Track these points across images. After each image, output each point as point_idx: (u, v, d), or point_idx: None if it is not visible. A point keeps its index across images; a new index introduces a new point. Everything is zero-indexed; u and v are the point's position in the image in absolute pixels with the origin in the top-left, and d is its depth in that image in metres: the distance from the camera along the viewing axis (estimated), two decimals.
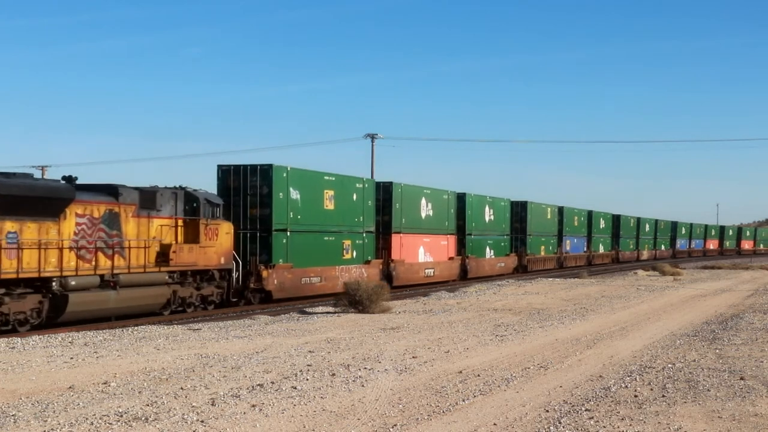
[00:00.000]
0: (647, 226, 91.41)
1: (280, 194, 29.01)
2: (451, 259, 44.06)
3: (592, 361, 14.98)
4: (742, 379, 13.20)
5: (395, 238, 38.05)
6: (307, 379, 12.63)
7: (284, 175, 29.32)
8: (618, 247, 80.00)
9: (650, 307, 26.97)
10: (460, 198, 46.23)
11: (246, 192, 28.83)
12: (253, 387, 11.98)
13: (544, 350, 16.32)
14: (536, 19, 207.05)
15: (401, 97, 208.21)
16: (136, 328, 20.49)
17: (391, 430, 9.70)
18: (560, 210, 64.81)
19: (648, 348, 16.86)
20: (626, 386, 12.46)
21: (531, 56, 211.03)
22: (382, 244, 37.40)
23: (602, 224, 76.08)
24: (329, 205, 32.22)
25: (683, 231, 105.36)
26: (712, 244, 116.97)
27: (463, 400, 11.32)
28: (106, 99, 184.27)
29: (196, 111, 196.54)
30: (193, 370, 13.45)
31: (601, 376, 13.36)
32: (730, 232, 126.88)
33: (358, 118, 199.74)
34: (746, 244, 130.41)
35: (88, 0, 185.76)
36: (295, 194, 29.85)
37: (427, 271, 40.65)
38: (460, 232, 45.90)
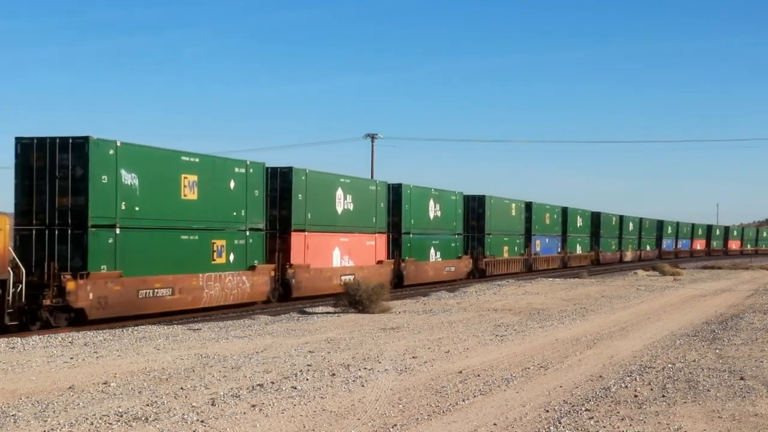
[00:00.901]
0: (631, 224, 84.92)
1: (104, 178, 22.11)
2: (380, 263, 36.70)
3: (592, 361, 14.98)
4: (742, 379, 13.20)
5: (296, 238, 30.53)
6: (307, 379, 12.62)
7: (110, 152, 22.44)
8: (598, 247, 73.32)
9: (650, 307, 26.97)
10: (395, 190, 39.42)
11: (54, 174, 21.87)
12: (253, 387, 11.98)
13: (544, 350, 16.32)
14: (536, 19, 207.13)
15: (401, 97, 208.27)
16: (136, 328, 20.49)
17: (391, 430, 9.70)
18: (528, 206, 57.40)
19: (648, 348, 16.86)
20: (626, 386, 12.46)
21: (531, 56, 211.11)
22: (278, 245, 29.89)
23: (579, 222, 69.40)
24: (189, 194, 25.10)
25: (669, 230, 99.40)
26: (699, 245, 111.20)
27: (463, 400, 11.32)
28: (105, 99, 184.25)
29: (196, 111, 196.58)
30: (193, 370, 13.45)
31: (601, 376, 13.36)
32: (717, 232, 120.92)
33: (358, 118, 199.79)
34: (733, 244, 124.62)
35: (87, 0, 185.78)
36: (130, 178, 22.99)
37: (344, 278, 32.50)
38: (396, 230, 39.15)
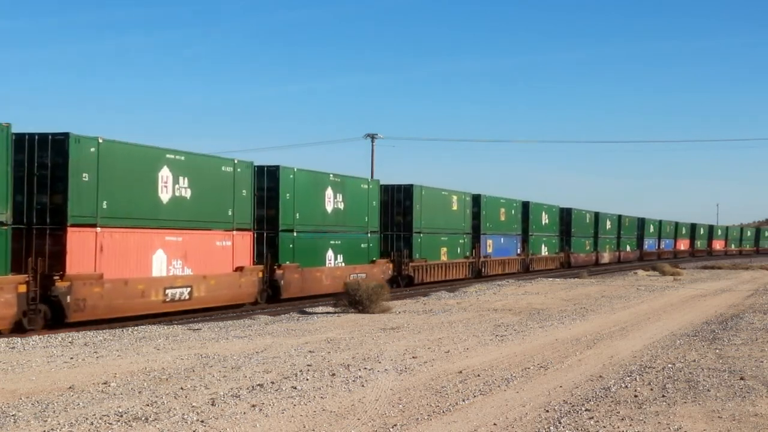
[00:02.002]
0: (608, 222, 77.35)
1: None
2: (239, 270, 27.00)
3: (592, 361, 14.98)
4: (742, 379, 13.20)
5: (76, 236, 21.09)
6: (307, 379, 12.63)
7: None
8: (569, 248, 65.55)
9: (650, 307, 26.97)
10: (270, 174, 29.75)
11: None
12: (253, 387, 11.98)
13: (544, 350, 16.32)
14: (536, 20, 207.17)
15: (401, 97, 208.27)
16: (136, 328, 20.49)
17: (391, 430, 9.70)
18: (475, 199, 48.62)
19: (648, 348, 16.86)
20: (626, 386, 12.46)
21: (531, 56, 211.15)
22: (49, 245, 20.73)
23: (545, 220, 61.22)
24: None
25: (651, 229, 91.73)
26: (683, 244, 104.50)
27: (463, 400, 11.33)
28: (105, 99, 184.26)
29: (196, 111, 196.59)
30: (193, 370, 13.45)
31: (601, 376, 13.36)
32: (702, 231, 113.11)
33: (358, 118, 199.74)
34: (717, 244, 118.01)
35: (87, 0, 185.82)
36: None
37: (171, 292, 24.11)
38: (271, 227, 29.72)
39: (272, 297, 29.26)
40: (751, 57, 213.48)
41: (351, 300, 25.03)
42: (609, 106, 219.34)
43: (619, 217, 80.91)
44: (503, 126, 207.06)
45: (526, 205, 57.35)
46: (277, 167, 29.67)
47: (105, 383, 12.19)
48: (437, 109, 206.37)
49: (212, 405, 10.74)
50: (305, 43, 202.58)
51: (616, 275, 51.87)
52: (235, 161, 27.34)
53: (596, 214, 73.54)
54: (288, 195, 30.13)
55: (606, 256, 75.40)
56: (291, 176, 30.38)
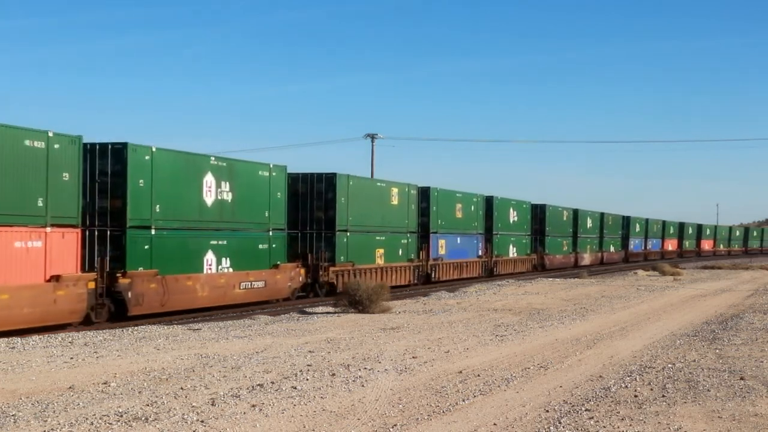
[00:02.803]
0: (589, 221, 70.60)
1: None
2: (54, 280, 20.36)
3: (592, 361, 14.98)
4: (742, 379, 13.20)
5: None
6: (307, 379, 12.63)
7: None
8: (543, 249, 59.31)
9: (650, 307, 26.98)
10: (115, 154, 23.15)
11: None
12: (253, 387, 11.99)
13: (544, 350, 16.32)
14: (536, 20, 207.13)
15: (401, 97, 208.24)
16: (136, 328, 20.49)
17: (391, 430, 9.70)
18: (423, 193, 41.81)
19: (648, 348, 16.86)
20: (626, 386, 12.47)
21: (531, 56, 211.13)
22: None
23: (514, 217, 54.05)
24: None
25: (637, 228, 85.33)
26: (671, 245, 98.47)
27: (463, 400, 11.33)
28: (105, 99, 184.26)
29: (196, 111, 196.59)
30: (193, 370, 13.45)
31: (601, 376, 13.36)
32: (690, 231, 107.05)
33: (358, 118, 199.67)
34: (706, 244, 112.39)
35: (87, 0, 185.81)
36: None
37: None
38: (116, 223, 22.96)
39: (115, 316, 22.66)
40: (751, 57, 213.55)
41: (351, 300, 25.04)
42: (609, 106, 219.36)
43: (602, 215, 74.50)
44: (503, 126, 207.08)
45: (489, 201, 50.10)
46: (124, 144, 22.98)
47: (105, 383, 12.19)
48: (437, 109, 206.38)
49: (212, 405, 10.74)
50: (305, 43, 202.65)
51: (616, 275, 51.88)
52: (52, 134, 20.49)
53: (575, 212, 67.38)
54: (142, 181, 23.39)
55: (587, 258, 68.74)
56: (147, 157, 23.60)
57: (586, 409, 10.83)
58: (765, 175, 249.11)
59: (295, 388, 11.92)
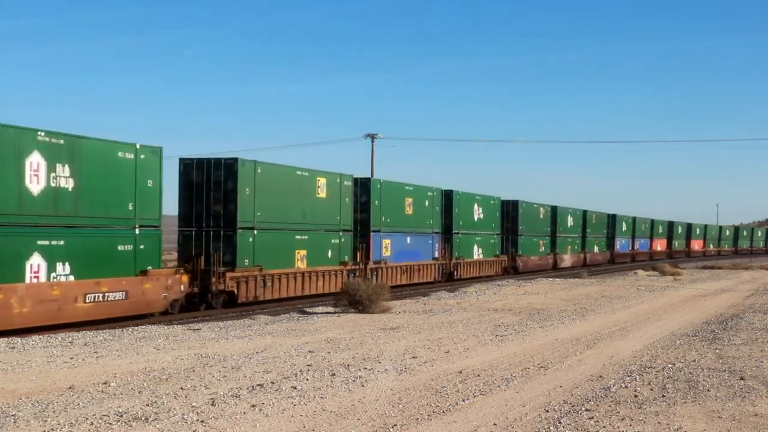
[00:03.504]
0: (570, 219, 65.63)
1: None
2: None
3: (592, 361, 14.98)
4: (742, 379, 13.21)
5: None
6: (307, 379, 12.63)
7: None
8: (515, 250, 53.79)
9: (650, 307, 26.99)
10: None
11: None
12: (253, 387, 11.99)
13: (544, 350, 16.32)
14: (536, 20, 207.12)
15: (401, 97, 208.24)
16: (136, 328, 20.49)
17: (391, 430, 9.71)
18: (362, 186, 35.99)
19: (648, 348, 16.87)
20: (626, 386, 12.47)
21: (531, 56, 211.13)
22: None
23: (479, 215, 48.22)
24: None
25: (624, 227, 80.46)
26: (660, 245, 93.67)
27: (463, 400, 11.33)
28: (105, 99, 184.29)
29: (196, 111, 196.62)
30: (193, 370, 13.45)
31: (601, 376, 13.37)
32: (679, 230, 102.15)
33: (358, 118, 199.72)
34: (696, 244, 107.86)
35: (87, 0, 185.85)
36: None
37: None
38: None
39: None
40: (751, 57, 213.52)
41: (351, 300, 25.04)
42: (609, 106, 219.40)
43: (584, 212, 69.59)
44: (503, 126, 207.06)
45: (448, 196, 44.49)
46: None
47: (105, 383, 12.19)
48: (437, 109, 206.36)
49: (212, 405, 10.75)
50: (305, 43, 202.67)
51: (616, 275, 51.88)
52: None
53: (553, 209, 62.02)
54: None
55: (567, 259, 63.83)
56: None
57: (586, 409, 10.84)
58: (764, 175, 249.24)
59: (295, 388, 11.92)
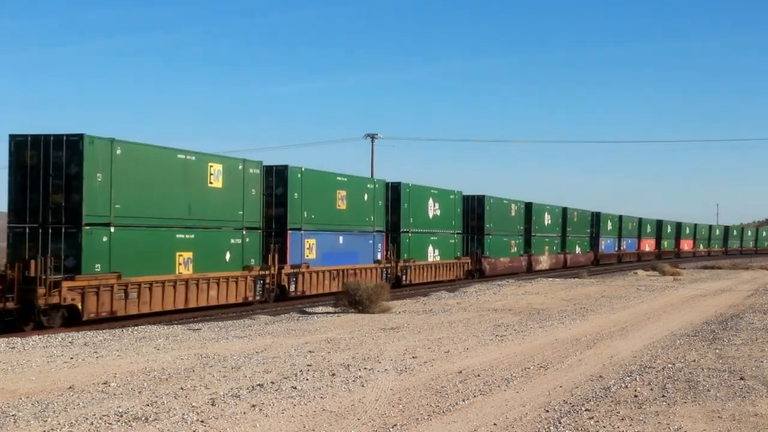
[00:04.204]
0: (547, 217, 60.05)
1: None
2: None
3: (592, 361, 14.98)
4: (742, 379, 13.21)
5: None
6: (307, 379, 12.63)
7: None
8: (481, 251, 47.83)
9: (650, 307, 26.98)
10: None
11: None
12: (253, 387, 11.99)
13: (544, 350, 16.32)
14: (536, 20, 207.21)
15: (401, 97, 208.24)
16: (136, 328, 20.49)
17: (391, 430, 9.71)
18: (278, 175, 30.10)
19: (648, 348, 16.87)
20: (626, 386, 12.47)
21: (531, 56, 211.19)
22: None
23: (434, 211, 42.08)
24: None
25: (610, 226, 75.16)
26: (648, 245, 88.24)
27: (463, 400, 11.33)
28: (105, 99, 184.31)
29: (196, 111, 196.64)
30: (193, 370, 13.45)
31: (601, 376, 13.37)
32: (668, 229, 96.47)
33: (358, 118, 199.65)
34: (685, 244, 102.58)
35: (87, 0, 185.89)
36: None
37: None
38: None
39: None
40: (751, 57, 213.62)
41: (351, 300, 25.04)
42: (609, 106, 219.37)
43: (564, 210, 64.01)
44: (503, 126, 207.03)
45: (395, 189, 38.54)
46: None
47: (105, 383, 12.19)
48: (437, 109, 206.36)
49: (212, 405, 10.74)
50: (305, 43, 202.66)
51: (616, 275, 51.88)
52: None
53: (528, 206, 56.30)
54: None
55: (544, 261, 58.56)
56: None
57: (586, 409, 10.83)
58: (765, 175, 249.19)
59: (295, 388, 11.92)
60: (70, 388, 11.86)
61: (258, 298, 28.02)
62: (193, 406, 10.63)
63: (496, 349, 16.35)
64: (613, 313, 24.92)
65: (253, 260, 27.95)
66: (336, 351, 15.86)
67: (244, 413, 10.30)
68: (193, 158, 25.31)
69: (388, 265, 37.01)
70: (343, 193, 33.71)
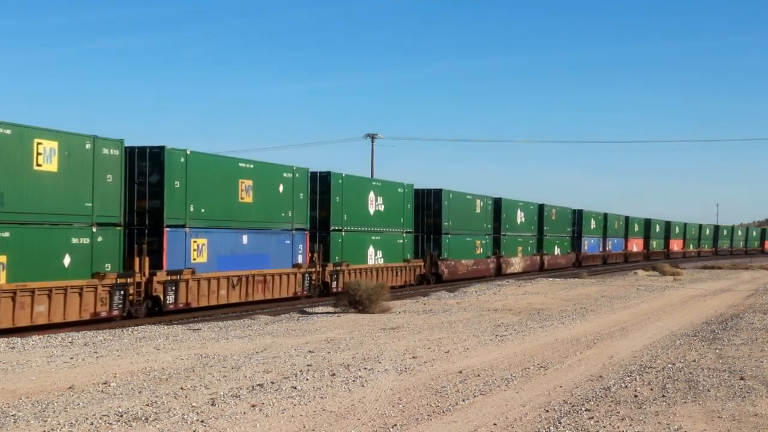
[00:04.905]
0: (520, 215, 53.82)
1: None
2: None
3: (592, 361, 14.98)
4: (742, 379, 13.21)
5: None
6: (307, 379, 12.63)
7: None
8: (437, 252, 41.51)
9: (650, 307, 26.99)
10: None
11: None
12: (253, 387, 11.99)
13: (544, 350, 16.33)
14: (536, 20, 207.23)
15: (401, 97, 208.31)
16: (136, 328, 20.48)
17: (391, 430, 9.71)
18: (152, 159, 24.37)
19: (648, 348, 16.87)
20: (626, 386, 12.47)
21: (531, 56, 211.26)
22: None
23: (376, 206, 35.76)
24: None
25: (593, 225, 69.68)
26: (636, 245, 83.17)
27: (463, 400, 11.33)
28: (105, 99, 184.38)
29: (196, 111, 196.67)
30: (193, 370, 13.45)
31: (601, 376, 13.37)
32: (657, 229, 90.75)
33: (358, 118, 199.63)
34: (675, 245, 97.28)
35: (87, 0, 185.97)
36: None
37: None
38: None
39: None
40: (751, 57, 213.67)
41: (351, 300, 25.04)
42: (609, 106, 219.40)
43: (540, 207, 58.16)
44: (503, 126, 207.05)
45: (324, 181, 32.47)
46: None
47: (105, 383, 12.19)
48: (437, 109, 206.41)
49: (212, 405, 10.75)
50: (305, 43, 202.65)
51: (616, 275, 51.90)
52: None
53: (496, 202, 50.01)
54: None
55: (516, 263, 52.25)
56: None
57: (586, 409, 10.84)
58: (765, 175, 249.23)
59: (295, 388, 11.92)
60: (70, 388, 11.86)
61: (117, 312, 22.14)
62: (193, 406, 10.64)
63: (496, 349, 16.35)
64: (613, 313, 24.92)
65: (109, 265, 21.91)
66: (336, 351, 15.87)
67: (244, 413, 10.30)
68: (9, 132, 19.27)
69: (312, 269, 30.87)
70: (248, 182, 27.40)
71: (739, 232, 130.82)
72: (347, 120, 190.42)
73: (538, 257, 56.79)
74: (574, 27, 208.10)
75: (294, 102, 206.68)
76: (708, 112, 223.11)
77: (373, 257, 35.78)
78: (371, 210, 35.69)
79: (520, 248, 53.42)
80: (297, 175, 30.33)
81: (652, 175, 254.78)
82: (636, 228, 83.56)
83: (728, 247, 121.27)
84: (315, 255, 31.31)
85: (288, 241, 29.85)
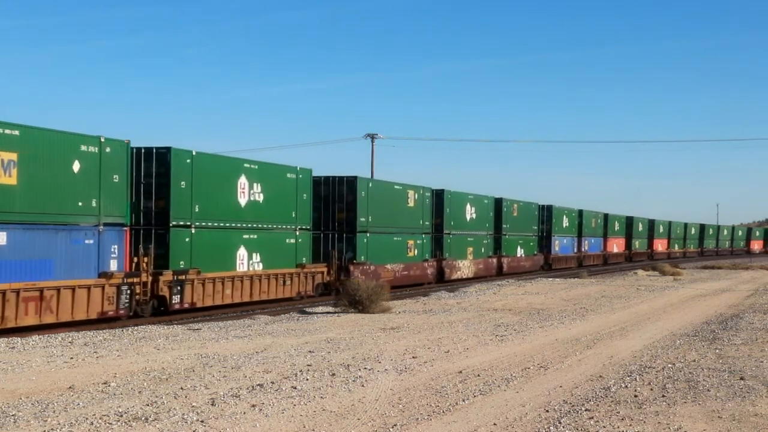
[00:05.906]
0: (471, 211, 45.83)
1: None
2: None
3: (592, 361, 14.98)
4: (742, 379, 13.21)
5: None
6: (307, 379, 12.63)
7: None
8: (352, 254, 33.64)
9: (650, 307, 26.99)
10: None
11: None
12: (253, 387, 11.99)
13: (544, 350, 16.32)
14: (536, 20, 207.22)
15: (401, 97, 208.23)
16: (136, 328, 20.49)
17: (391, 430, 9.71)
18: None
19: (648, 348, 16.87)
20: (626, 386, 12.47)
21: (530, 56, 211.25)
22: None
23: (251, 197, 27.48)
24: None
25: (566, 223, 62.78)
26: (617, 245, 76.76)
27: (463, 400, 11.33)
28: (105, 99, 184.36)
29: (196, 111, 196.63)
30: (193, 370, 13.45)
31: (601, 376, 13.37)
32: (640, 228, 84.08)
33: (358, 118, 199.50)
34: (659, 245, 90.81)
35: (87, 0, 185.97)
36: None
37: None
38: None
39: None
40: (751, 57, 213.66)
41: (351, 300, 25.04)
42: (609, 106, 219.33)
43: (498, 201, 50.35)
44: (503, 126, 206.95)
45: (162, 161, 24.26)
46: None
47: (105, 383, 12.19)
48: (437, 109, 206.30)
49: (212, 405, 10.75)
50: (305, 43, 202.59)
51: (617, 275, 51.92)
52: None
53: (438, 195, 42.32)
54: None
55: (465, 267, 44.78)
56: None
57: (586, 409, 10.83)
58: (765, 175, 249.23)
59: (295, 388, 11.92)
60: (70, 388, 11.86)
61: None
62: (193, 406, 10.64)
63: (496, 349, 16.35)
64: (613, 313, 24.92)
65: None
66: (336, 351, 15.86)
67: (244, 413, 10.30)
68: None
69: (134, 279, 22.64)
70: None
71: (725, 231, 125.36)
72: (347, 120, 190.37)
73: (494, 260, 49.13)
74: (573, 27, 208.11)
75: (294, 102, 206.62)
76: (708, 112, 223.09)
77: (246, 262, 27.37)
78: (242, 201, 27.27)
79: (470, 249, 45.55)
80: (109, 149, 21.71)
81: (651, 175, 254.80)
82: (616, 227, 77.06)
83: (714, 247, 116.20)
84: (146, 260, 23.18)
85: (90, 241, 21.34)
